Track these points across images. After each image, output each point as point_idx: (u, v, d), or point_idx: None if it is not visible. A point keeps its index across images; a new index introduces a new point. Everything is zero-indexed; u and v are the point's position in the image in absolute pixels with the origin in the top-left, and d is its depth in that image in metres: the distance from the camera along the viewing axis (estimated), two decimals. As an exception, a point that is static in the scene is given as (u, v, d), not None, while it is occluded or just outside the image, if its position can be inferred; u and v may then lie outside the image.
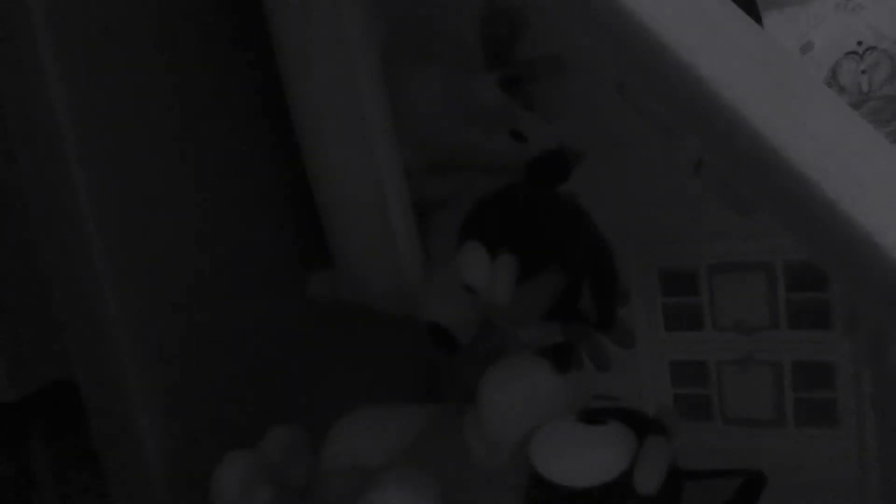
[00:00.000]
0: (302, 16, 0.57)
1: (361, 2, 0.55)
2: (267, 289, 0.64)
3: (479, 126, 0.63)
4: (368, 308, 0.64)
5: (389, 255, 0.59)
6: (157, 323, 0.58)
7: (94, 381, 0.60)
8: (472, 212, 0.55)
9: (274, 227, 0.65)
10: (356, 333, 0.67)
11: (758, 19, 0.62)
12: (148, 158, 0.58)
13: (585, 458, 0.48)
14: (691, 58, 0.38)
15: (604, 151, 0.71)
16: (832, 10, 0.78)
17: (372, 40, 0.57)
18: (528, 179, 0.59)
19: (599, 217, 0.61)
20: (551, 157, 0.59)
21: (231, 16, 0.62)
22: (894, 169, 0.36)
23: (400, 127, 0.59)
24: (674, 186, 0.74)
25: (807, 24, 0.80)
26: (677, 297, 0.77)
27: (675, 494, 0.50)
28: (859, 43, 0.78)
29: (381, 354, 0.69)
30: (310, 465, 0.56)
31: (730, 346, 0.76)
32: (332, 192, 0.60)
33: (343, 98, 0.56)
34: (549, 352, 0.51)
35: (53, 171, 0.55)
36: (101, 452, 0.61)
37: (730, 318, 0.76)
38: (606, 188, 0.67)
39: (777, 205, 0.39)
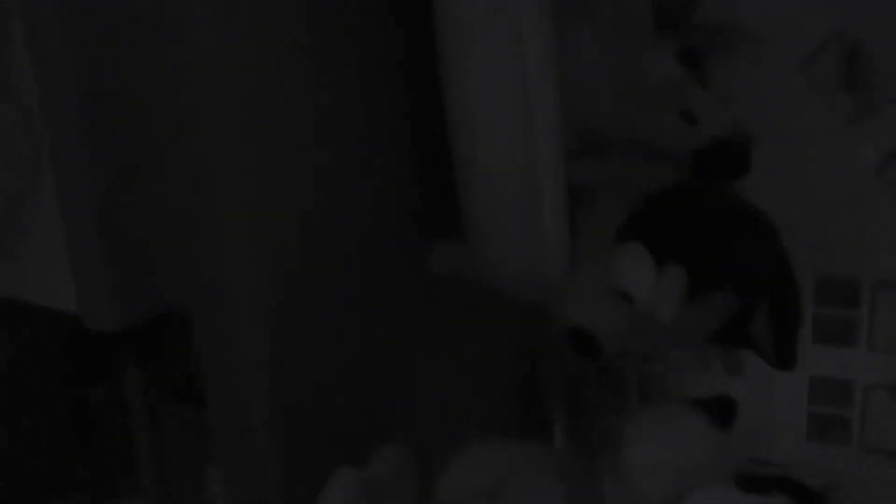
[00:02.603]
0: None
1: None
2: (386, 258, 0.59)
3: (644, 102, 0.56)
4: (493, 291, 0.58)
5: (534, 234, 0.52)
6: (272, 278, 0.54)
7: (204, 322, 0.57)
8: (638, 208, 0.48)
9: (398, 190, 0.60)
10: (471, 327, 0.62)
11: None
12: (275, 101, 0.53)
13: None
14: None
15: (773, 140, 0.63)
16: None
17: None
18: (697, 170, 0.52)
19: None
20: (727, 146, 0.52)
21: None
22: None
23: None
24: (848, 186, 0.66)
25: None
26: (832, 308, 0.70)
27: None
28: None
29: (493, 353, 0.64)
30: (418, 489, 0.52)
31: (884, 368, 0.69)
32: (477, 155, 0.53)
33: (506, 51, 0.49)
34: (711, 405, 0.45)
35: (182, 97, 0.52)
36: (204, 388, 0.58)
37: (889, 339, 0.69)
38: (770, 180, 0.59)
39: None
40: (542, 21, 0.50)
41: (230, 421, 0.58)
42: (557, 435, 0.77)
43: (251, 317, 0.54)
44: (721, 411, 0.45)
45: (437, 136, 0.56)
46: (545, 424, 0.76)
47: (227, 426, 0.58)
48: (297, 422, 0.56)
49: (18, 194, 0.64)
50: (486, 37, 0.51)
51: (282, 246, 0.54)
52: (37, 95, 0.59)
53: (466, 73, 0.51)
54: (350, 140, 0.57)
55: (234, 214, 0.53)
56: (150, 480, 0.80)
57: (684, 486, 0.44)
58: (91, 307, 0.63)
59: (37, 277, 0.66)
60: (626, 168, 0.54)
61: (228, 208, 0.53)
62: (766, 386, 0.74)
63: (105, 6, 0.54)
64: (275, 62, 0.52)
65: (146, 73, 0.54)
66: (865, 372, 0.70)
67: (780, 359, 0.45)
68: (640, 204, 0.48)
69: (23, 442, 0.77)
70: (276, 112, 0.53)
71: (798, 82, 0.65)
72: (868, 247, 0.67)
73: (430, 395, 0.63)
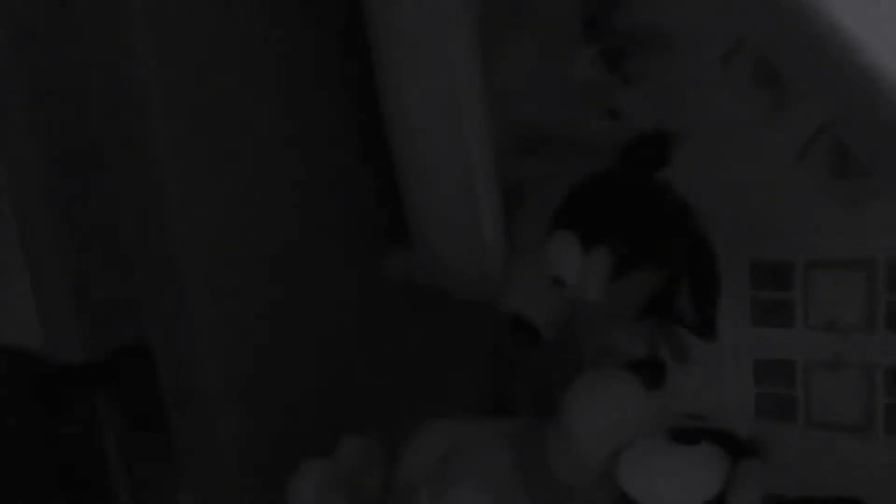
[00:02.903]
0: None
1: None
2: (347, 265, 0.61)
3: (574, 102, 0.59)
4: (445, 292, 0.61)
5: (473, 237, 0.55)
6: (232, 294, 0.56)
7: (167, 350, 0.58)
8: (565, 199, 0.51)
9: (354, 200, 0.62)
10: (432, 319, 0.64)
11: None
12: (230, 118, 0.55)
13: (676, 479, 0.46)
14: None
15: (699, 132, 0.67)
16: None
17: (468, 6, 0.52)
18: (623, 163, 0.55)
19: (691, 201, 0.57)
20: (649, 139, 0.55)
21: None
22: None
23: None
24: (773, 173, 0.70)
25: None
26: (767, 291, 0.73)
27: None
28: None
29: (456, 343, 0.66)
30: (385, 475, 0.54)
31: (820, 346, 0.72)
32: (414, 165, 0.56)
33: (434, 66, 0.52)
34: (640, 367, 0.48)
35: (137, 128, 0.53)
36: (170, 421, 0.60)
37: (823, 317, 0.72)
38: (700, 171, 0.63)
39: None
40: (467, 27, 0.53)
41: (199, 448, 0.59)
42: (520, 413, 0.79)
43: (216, 346, 0.56)
44: (649, 372, 0.48)
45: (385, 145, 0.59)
46: (512, 407, 0.78)
47: (196, 453, 0.60)
48: (268, 443, 0.57)
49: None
50: (415, 44, 0.54)
51: (244, 270, 0.56)
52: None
53: (398, 83, 0.54)
54: (312, 158, 0.59)
55: (193, 242, 0.55)
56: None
57: (620, 444, 0.47)
58: (56, 343, 0.64)
59: (1, 317, 0.67)
60: (558, 164, 0.57)
61: (189, 238, 0.55)
62: (714, 372, 0.76)
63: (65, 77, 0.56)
64: (240, 92, 0.55)
65: (101, 104, 0.55)
66: (804, 350, 0.73)
67: (701, 328, 0.49)
68: (568, 194, 0.51)
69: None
70: (241, 138, 0.55)
71: (718, 79, 0.68)
72: (796, 229, 0.70)
73: (401, 394, 0.65)
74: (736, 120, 0.68)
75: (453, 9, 0.50)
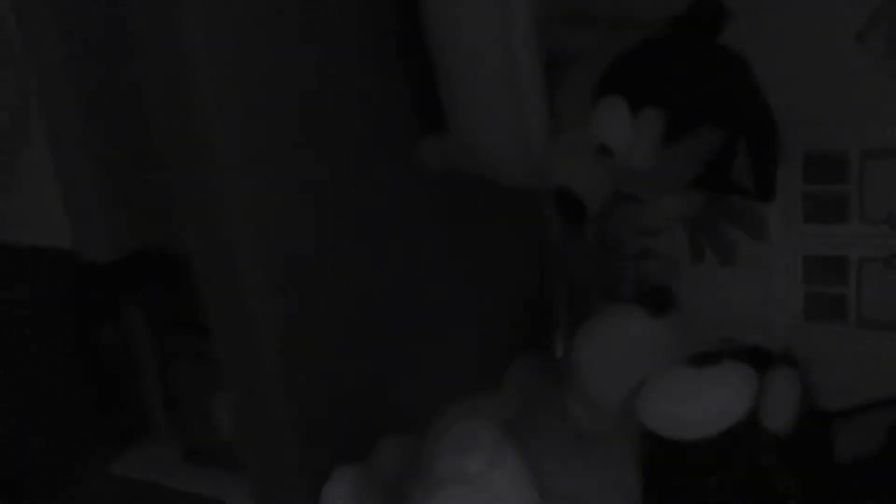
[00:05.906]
0: None
1: None
2: (383, 156, 0.59)
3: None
4: (484, 179, 0.59)
5: (514, 116, 0.53)
6: (267, 188, 0.54)
7: (202, 252, 0.56)
8: (612, 63, 0.48)
9: (383, 85, 0.59)
10: (471, 209, 0.62)
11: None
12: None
13: (698, 403, 0.43)
14: None
15: (752, 6, 0.63)
16: None
17: None
18: (673, 29, 0.52)
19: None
20: (701, 8, 0.52)
21: None
22: None
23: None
24: (829, 53, 0.66)
25: None
26: (820, 184, 0.70)
27: (817, 435, 0.44)
28: None
29: (494, 237, 0.64)
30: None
31: (876, 241, 0.69)
32: (451, 40, 0.54)
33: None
34: (644, 296, 0.45)
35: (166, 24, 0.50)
36: (205, 326, 0.59)
37: (880, 211, 0.69)
38: (751, 51, 0.59)
39: None
40: None
41: (236, 347, 0.57)
42: (558, 345, 0.78)
43: (251, 245, 0.54)
44: (653, 299, 0.46)
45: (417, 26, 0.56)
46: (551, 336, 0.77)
47: (234, 353, 0.58)
48: (307, 341, 0.56)
49: (5, 136, 0.65)
50: None
51: (276, 160, 0.54)
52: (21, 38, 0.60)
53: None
54: (340, 44, 0.56)
55: (224, 138, 0.52)
56: (161, 416, 0.81)
57: (636, 381, 0.44)
58: (86, 241, 0.63)
59: (30, 217, 0.66)
60: (603, 35, 0.54)
61: (221, 136, 0.52)
62: (761, 271, 0.74)
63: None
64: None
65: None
66: (859, 246, 0.70)
67: (761, 189, 0.46)
68: (614, 59, 0.48)
69: (35, 388, 0.77)
70: (269, 22, 0.52)
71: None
72: (852, 118, 0.67)
73: (436, 300, 0.64)
74: (792, -1, 0.65)
75: None
